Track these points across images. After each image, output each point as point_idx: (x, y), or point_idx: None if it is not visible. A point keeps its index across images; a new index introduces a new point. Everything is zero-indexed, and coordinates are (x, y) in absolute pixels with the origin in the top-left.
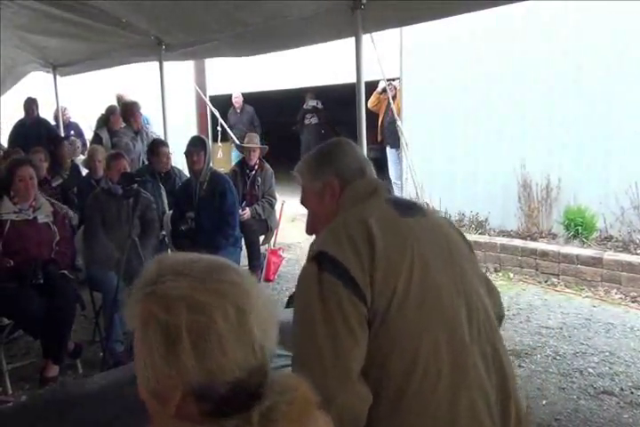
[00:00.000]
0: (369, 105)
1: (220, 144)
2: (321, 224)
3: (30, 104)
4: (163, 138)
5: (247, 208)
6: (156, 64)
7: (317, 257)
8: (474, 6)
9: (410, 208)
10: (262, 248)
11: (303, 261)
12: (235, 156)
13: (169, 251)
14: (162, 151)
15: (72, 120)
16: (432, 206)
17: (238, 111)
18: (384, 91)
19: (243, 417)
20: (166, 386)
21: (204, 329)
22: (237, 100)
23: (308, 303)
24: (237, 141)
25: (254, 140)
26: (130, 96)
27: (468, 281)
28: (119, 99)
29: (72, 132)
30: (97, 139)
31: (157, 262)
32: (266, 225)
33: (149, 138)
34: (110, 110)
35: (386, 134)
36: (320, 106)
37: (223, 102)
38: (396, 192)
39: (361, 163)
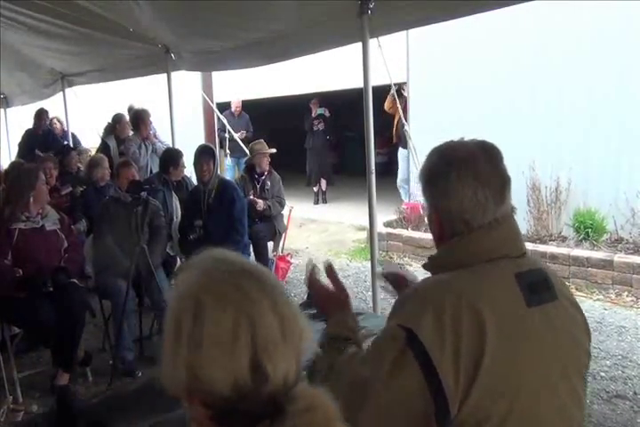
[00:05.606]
0: (385, 107)
1: (227, 151)
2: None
3: (41, 115)
4: (171, 146)
5: (260, 200)
6: (163, 74)
7: (406, 334)
8: (481, 7)
9: (540, 288)
10: (271, 254)
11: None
12: (229, 164)
13: (178, 259)
14: (182, 162)
15: (66, 130)
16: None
17: (236, 116)
18: (394, 97)
19: None
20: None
21: (198, 331)
22: (237, 107)
23: (377, 358)
24: (245, 148)
25: (264, 146)
26: (141, 106)
27: (569, 409)
28: (130, 109)
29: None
30: (104, 146)
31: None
32: (274, 229)
33: (157, 147)
34: (117, 118)
35: (400, 137)
36: (327, 114)
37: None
38: (403, 197)
39: (502, 204)
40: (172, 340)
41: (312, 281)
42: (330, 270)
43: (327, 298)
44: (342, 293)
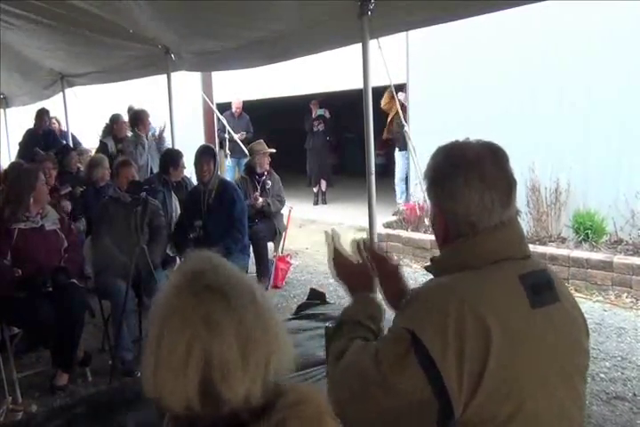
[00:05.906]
0: (382, 104)
1: (228, 151)
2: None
3: (42, 115)
4: (171, 146)
5: (260, 197)
6: (163, 75)
7: (411, 336)
8: (490, 8)
9: (542, 289)
10: (271, 255)
11: (310, 268)
12: (229, 165)
13: (177, 259)
14: (182, 163)
15: (64, 131)
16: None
17: (236, 117)
18: (392, 95)
19: None
20: None
21: (157, 353)
22: (238, 107)
23: (381, 357)
24: (245, 149)
25: (264, 147)
26: (141, 106)
27: (569, 410)
28: (130, 109)
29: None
30: (103, 146)
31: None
32: (274, 230)
33: (164, 146)
34: (114, 118)
35: (396, 137)
36: (327, 114)
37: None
38: (398, 196)
39: (508, 208)
40: (147, 352)
41: (337, 252)
42: (370, 248)
43: (351, 273)
44: (369, 270)
